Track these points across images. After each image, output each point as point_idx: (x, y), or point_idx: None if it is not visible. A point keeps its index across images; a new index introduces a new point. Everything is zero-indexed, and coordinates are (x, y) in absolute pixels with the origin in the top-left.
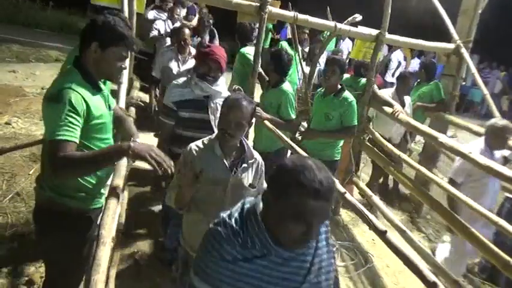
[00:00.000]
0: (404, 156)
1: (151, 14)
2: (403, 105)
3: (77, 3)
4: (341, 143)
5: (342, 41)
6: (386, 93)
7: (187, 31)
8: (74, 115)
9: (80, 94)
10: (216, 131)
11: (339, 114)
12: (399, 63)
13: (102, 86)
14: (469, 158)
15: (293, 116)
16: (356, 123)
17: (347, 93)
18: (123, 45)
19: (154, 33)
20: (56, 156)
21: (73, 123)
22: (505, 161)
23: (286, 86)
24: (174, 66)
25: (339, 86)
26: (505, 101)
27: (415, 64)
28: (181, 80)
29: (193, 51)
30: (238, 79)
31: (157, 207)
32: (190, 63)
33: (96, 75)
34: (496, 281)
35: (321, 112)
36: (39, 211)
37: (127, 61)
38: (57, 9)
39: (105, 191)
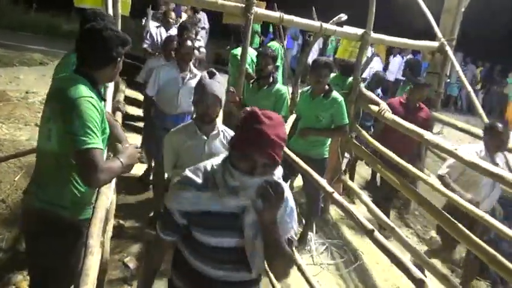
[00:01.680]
0: (391, 154)
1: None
2: None
3: (61, 6)
4: (329, 141)
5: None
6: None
7: (189, 43)
8: (95, 122)
9: (97, 102)
10: None
11: (330, 114)
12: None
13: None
14: (454, 154)
15: (285, 114)
16: (347, 122)
17: (335, 93)
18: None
19: (145, 46)
20: (96, 166)
21: (97, 129)
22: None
23: (280, 85)
24: (173, 86)
25: (327, 87)
26: (480, 95)
27: (396, 63)
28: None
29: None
30: (232, 80)
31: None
32: (192, 82)
33: (98, 82)
34: (483, 275)
35: (310, 113)
36: (29, 220)
37: None
38: (41, 11)
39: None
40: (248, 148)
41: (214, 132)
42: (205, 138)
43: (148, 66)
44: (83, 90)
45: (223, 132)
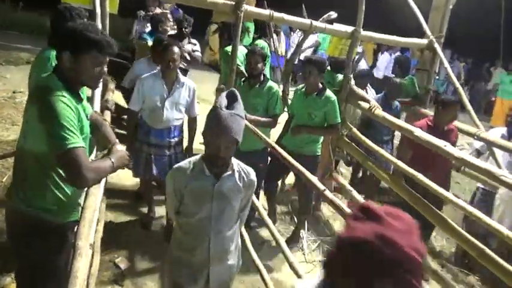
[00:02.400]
0: (382, 151)
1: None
2: None
3: (48, 4)
4: (321, 139)
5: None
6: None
7: (175, 49)
8: (71, 121)
9: (70, 101)
10: None
11: (323, 113)
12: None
13: (82, 95)
14: (443, 151)
15: (280, 112)
16: (340, 121)
17: (329, 92)
18: (96, 51)
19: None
20: (80, 165)
21: (74, 128)
22: (478, 153)
23: (272, 83)
24: (157, 97)
25: (320, 85)
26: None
27: (384, 60)
28: None
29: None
30: (223, 77)
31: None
32: (179, 93)
33: (75, 83)
34: (473, 269)
35: (304, 111)
36: (11, 223)
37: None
38: (28, 10)
39: (82, 202)
40: None
41: (228, 172)
42: (215, 179)
43: (134, 73)
44: (54, 89)
45: (240, 172)
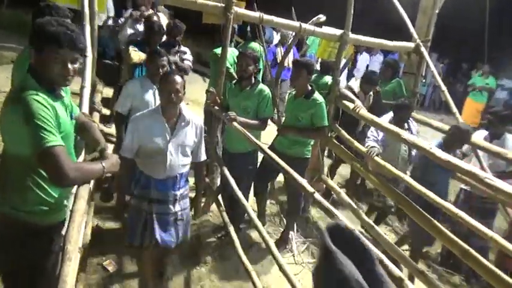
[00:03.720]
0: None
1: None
2: None
3: (33, 2)
4: (311, 141)
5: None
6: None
7: (178, 79)
8: (48, 120)
9: (45, 99)
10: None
11: (309, 115)
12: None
13: (62, 93)
14: (429, 153)
15: (270, 114)
16: (327, 124)
17: (316, 95)
18: (56, 46)
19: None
20: (61, 163)
21: (51, 127)
22: (463, 155)
23: (263, 85)
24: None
25: (309, 88)
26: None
27: (363, 61)
28: None
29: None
30: (212, 80)
31: None
32: (185, 132)
33: (45, 81)
34: (458, 269)
35: (291, 114)
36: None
37: (77, 63)
38: (13, 8)
39: (68, 203)
40: None
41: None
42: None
43: (127, 96)
44: (27, 88)
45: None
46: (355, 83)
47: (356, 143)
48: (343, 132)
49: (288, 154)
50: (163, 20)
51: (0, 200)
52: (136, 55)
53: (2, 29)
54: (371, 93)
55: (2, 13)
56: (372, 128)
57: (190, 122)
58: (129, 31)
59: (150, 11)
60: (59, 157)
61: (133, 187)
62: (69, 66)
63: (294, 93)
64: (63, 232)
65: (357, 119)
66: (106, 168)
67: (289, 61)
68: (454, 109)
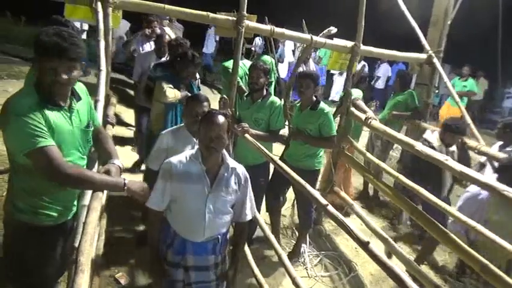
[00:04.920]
0: (382, 164)
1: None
2: None
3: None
4: (321, 153)
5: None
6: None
7: (221, 119)
8: (39, 131)
9: (35, 116)
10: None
11: (317, 126)
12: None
13: (74, 104)
14: (445, 165)
15: (282, 126)
16: (335, 133)
17: (322, 105)
18: (46, 56)
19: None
20: (53, 159)
21: (43, 134)
22: (481, 166)
23: (275, 97)
24: (195, 193)
25: (314, 98)
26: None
27: (385, 71)
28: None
29: None
30: (224, 92)
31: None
32: (227, 182)
33: (44, 91)
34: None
35: (300, 127)
36: (6, 229)
37: (74, 73)
38: (30, 24)
39: (70, 204)
40: None
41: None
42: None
43: (163, 150)
44: (23, 106)
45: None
46: (432, 136)
47: (368, 155)
48: (355, 144)
49: (298, 166)
50: (172, 35)
51: (9, 204)
52: (172, 93)
53: (21, 45)
54: (454, 147)
55: (20, 30)
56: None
57: (234, 171)
58: (136, 47)
59: (166, 28)
60: (52, 154)
61: (164, 251)
62: (63, 75)
63: (298, 105)
64: (76, 244)
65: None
66: (129, 187)
67: None
68: (469, 120)
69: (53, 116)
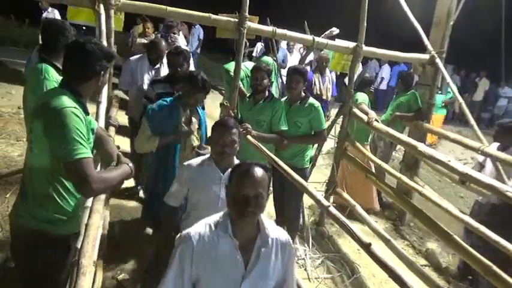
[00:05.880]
0: (385, 165)
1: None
2: None
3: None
4: (308, 152)
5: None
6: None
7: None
8: (81, 132)
9: (80, 113)
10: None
11: (308, 120)
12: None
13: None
14: (448, 166)
15: (285, 128)
16: (325, 127)
17: (312, 100)
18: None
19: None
20: (88, 175)
21: (83, 139)
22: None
23: (277, 99)
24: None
25: (303, 94)
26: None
27: (387, 72)
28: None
29: None
30: (226, 95)
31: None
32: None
33: (85, 96)
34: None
35: (290, 121)
36: (16, 238)
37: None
38: (34, 26)
39: (81, 213)
40: None
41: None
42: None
43: (184, 182)
44: (66, 102)
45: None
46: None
47: (370, 155)
48: (357, 144)
49: (289, 165)
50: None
51: (23, 211)
52: (152, 144)
53: (24, 47)
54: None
55: (24, 32)
56: None
57: (274, 243)
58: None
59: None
60: (87, 169)
61: None
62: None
63: (286, 100)
64: (78, 246)
65: None
66: (131, 167)
67: (328, 94)
68: (472, 121)
69: (88, 121)
